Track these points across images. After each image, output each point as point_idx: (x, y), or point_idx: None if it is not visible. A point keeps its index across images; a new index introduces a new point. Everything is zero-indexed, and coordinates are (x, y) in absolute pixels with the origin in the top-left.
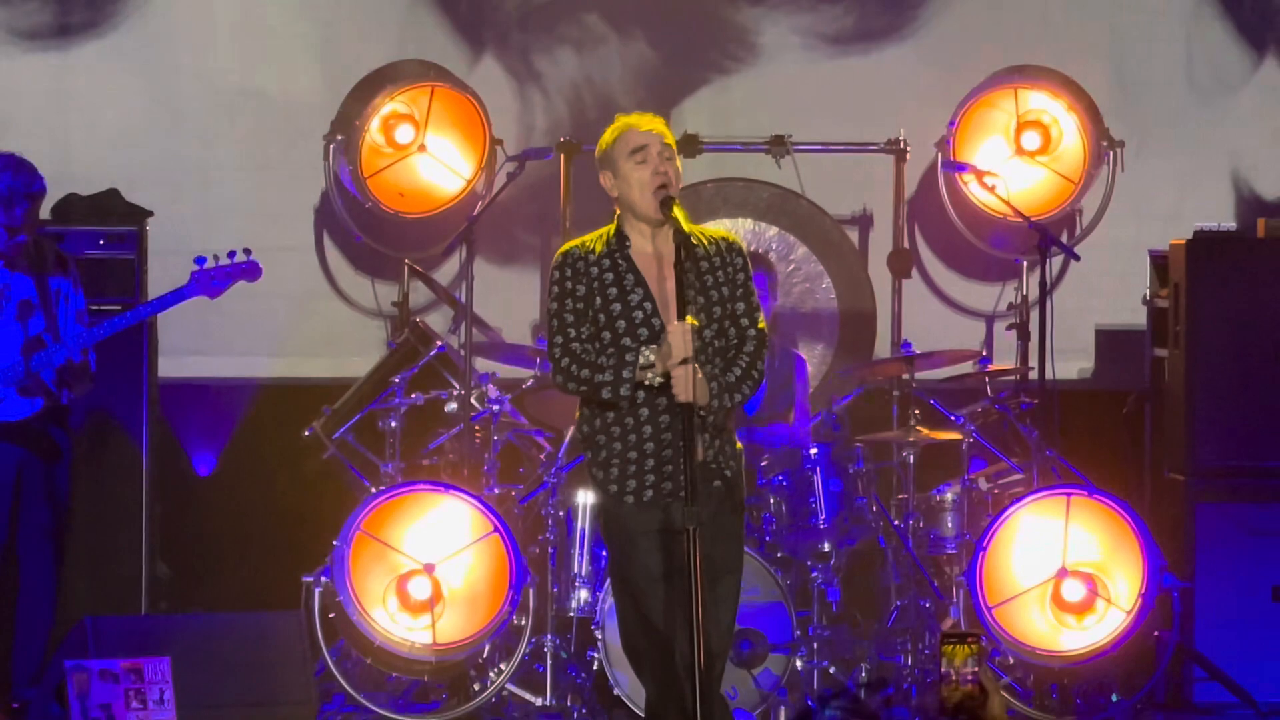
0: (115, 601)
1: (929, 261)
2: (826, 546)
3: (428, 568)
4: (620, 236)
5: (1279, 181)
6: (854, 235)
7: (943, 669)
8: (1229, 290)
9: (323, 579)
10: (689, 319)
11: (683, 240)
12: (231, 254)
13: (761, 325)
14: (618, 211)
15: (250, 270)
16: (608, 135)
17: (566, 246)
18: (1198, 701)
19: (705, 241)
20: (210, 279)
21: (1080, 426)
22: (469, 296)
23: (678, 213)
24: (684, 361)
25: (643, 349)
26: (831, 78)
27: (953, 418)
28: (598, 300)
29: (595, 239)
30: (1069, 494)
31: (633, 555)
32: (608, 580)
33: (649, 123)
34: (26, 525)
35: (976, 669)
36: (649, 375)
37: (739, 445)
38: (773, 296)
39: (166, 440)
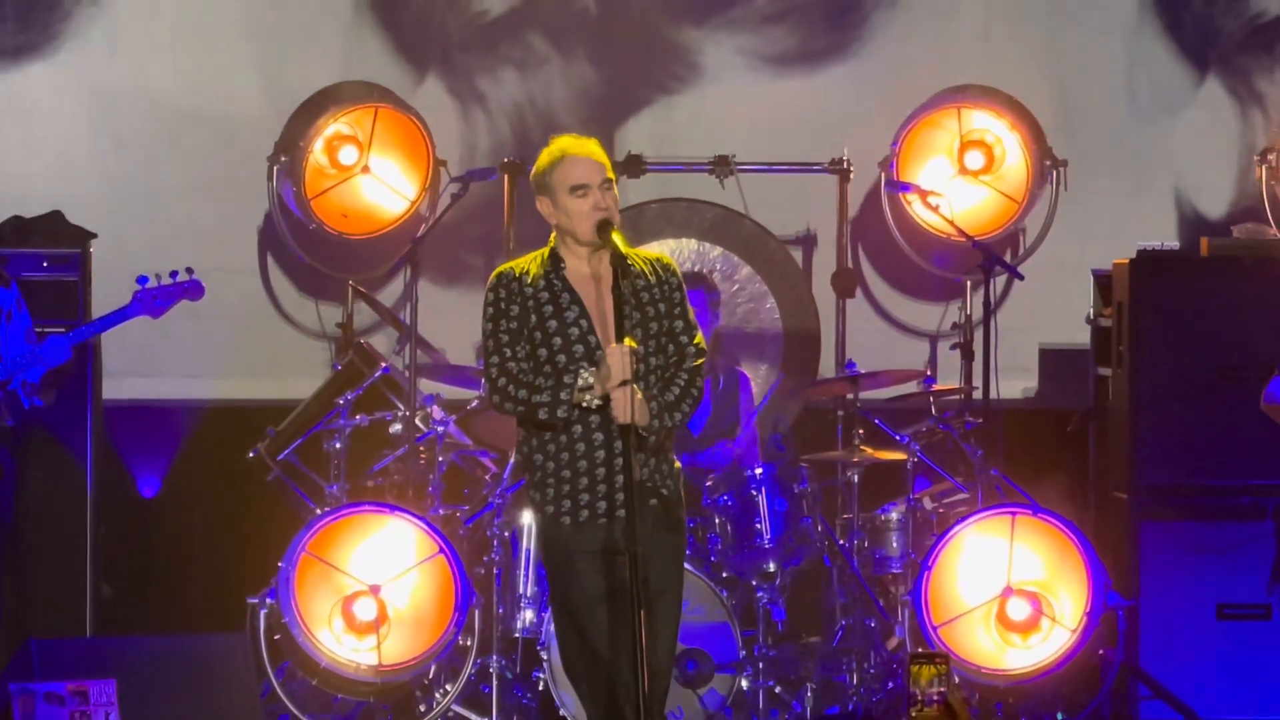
0: (60, 624)
1: (873, 281)
2: (772, 566)
3: (373, 589)
4: (555, 258)
5: (1221, 200)
6: (798, 255)
7: (909, 689)
8: (1172, 309)
9: (268, 600)
10: (627, 340)
11: (619, 261)
12: (174, 273)
13: (699, 342)
14: (553, 235)
15: (193, 289)
16: (544, 160)
17: (501, 268)
18: (1143, 719)
19: (640, 262)
20: (153, 298)
21: (1024, 445)
22: (413, 318)
23: (615, 236)
24: (623, 383)
25: (581, 370)
26: (774, 98)
27: (897, 437)
28: (533, 319)
29: (530, 260)
30: (1013, 513)
31: (571, 576)
32: None
33: (587, 149)
34: None
35: (944, 689)
36: (587, 397)
37: (677, 464)
38: (714, 316)
39: (111, 462)
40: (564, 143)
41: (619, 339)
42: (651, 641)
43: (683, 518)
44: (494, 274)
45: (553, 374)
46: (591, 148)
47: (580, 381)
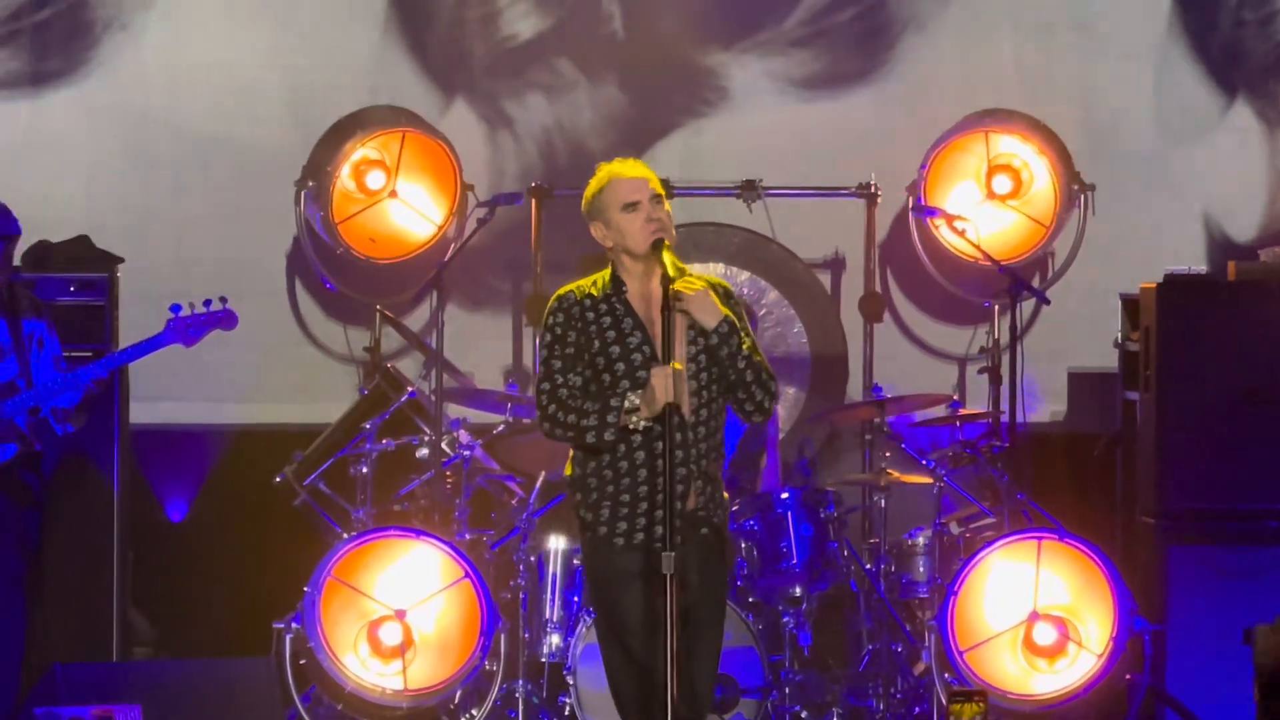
0: (86, 648)
1: (901, 305)
2: (798, 591)
3: (399, 613)
4: (616, 281)
5: (1250, 224)
6: (825, 279)
7: None
8: (1200, 333)
9: (294, 625)
10: (674, 363)
11: (668, 283)
12: (208, 302)
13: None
14: (611, 258)
15: (227, 319)
16: (592, 187)
17: (561, 291)
18: None
19: (699, 285)
20: (186, 327)
21: (1052, 469)
22: (440, 342)
23: (666, 257)
24: (668, 405)
25: (628, 393)
26: (802, 122)
27: (924, 462)
28: (595, 344)
29: (590, 284)
30: (1040, 538)
31: (619, 596)
32: (579, 626)
33: (634, 169)
34: None
35: None
36: (634, 419)
37: (726, 496)
38: None
39: (139, 486)
40: (610, 166)
41: (665, 360)
42: (693, 670)
43: (731, 549)
44: (554, 297)
45: (601, 398)
46: (638, 166)
47: (626, 404)
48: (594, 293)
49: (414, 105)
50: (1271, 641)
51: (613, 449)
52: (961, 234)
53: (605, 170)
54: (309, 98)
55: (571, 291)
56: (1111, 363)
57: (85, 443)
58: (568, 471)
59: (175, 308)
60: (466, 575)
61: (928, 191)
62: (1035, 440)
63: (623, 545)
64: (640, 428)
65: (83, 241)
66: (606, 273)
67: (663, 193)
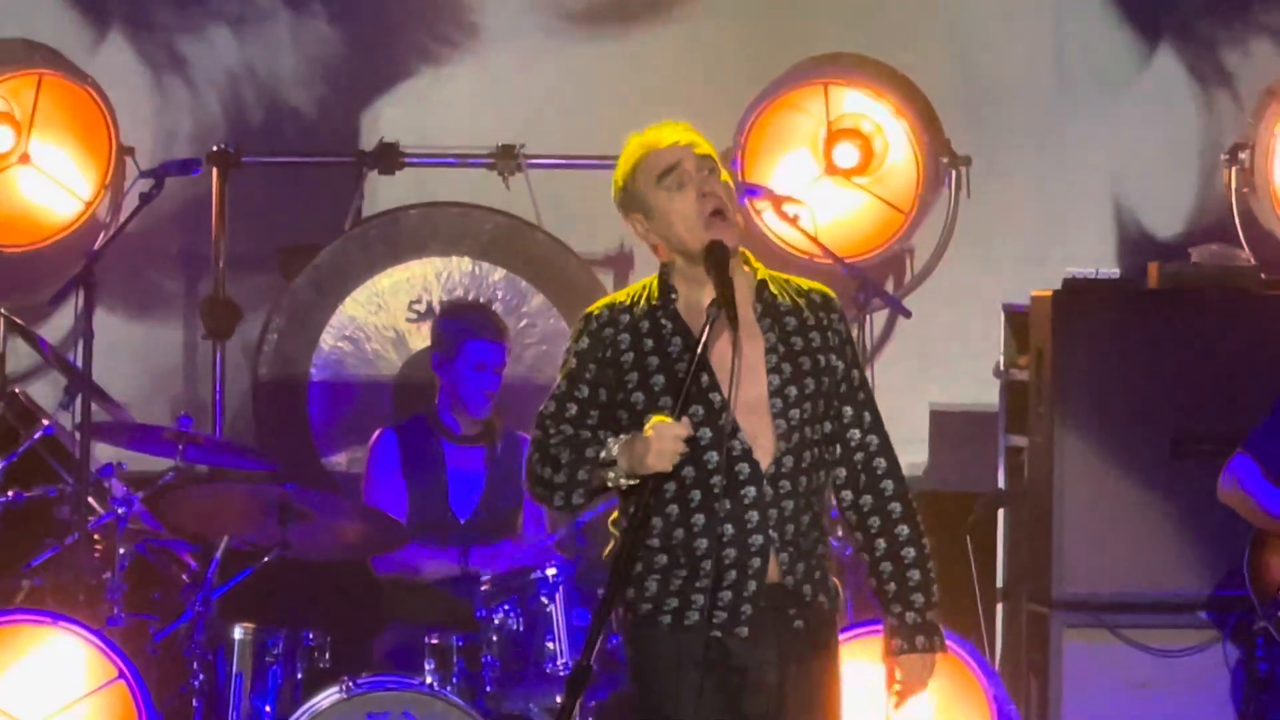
0: None
1: None
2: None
3: None
4: (664, 289)
5: (1176, 214)
6: (608, 281)
7: None
8: (1109, 359)
9: None
10: (685, 420)
11: (718, 308)
12: None
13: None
14: (661, 261)
15: None
16: (622, 165)
17: (593, 306)
18: None
19: (790, 294)
20: None
21: None
22: (87, 360)
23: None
24: (656, 476)
25: (608, 441)
26: (578, 70)
27: None
28: (633, 376)
29: (632, 295)
30: None
31: (668, 691)
32: None
33: (672, 133)
34: None
35: None
36: (610, 475)
37: (835, 580)
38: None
39: None
40: (642, 135)
41: (682, 411)
42: None
43: (833, 642)
44: (583, 313)
45: (575, 449)
46: (680, 131)
47: (602, 455)
48: (637, 307)
49: (55, 40)
50: None
51: (662, 511)
52: (792, 221)
53: (635, 141)
54: None
55: (607, 306)
56: (991, 397)
57: None
58: (609, 547)
59: None
60: (121, 675)
61: (747, 163)
62: None
63: (670, 625)
64: (623, 488)
65: None
66: (653, 280)
67: (714, 154)
